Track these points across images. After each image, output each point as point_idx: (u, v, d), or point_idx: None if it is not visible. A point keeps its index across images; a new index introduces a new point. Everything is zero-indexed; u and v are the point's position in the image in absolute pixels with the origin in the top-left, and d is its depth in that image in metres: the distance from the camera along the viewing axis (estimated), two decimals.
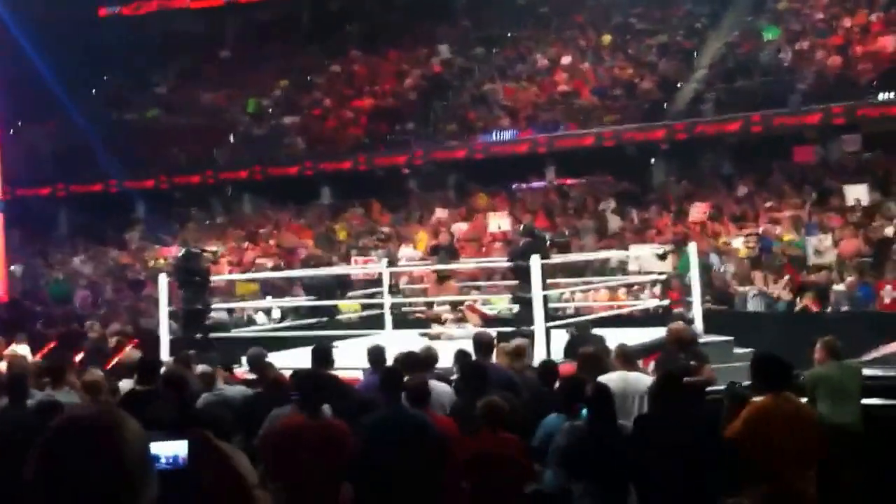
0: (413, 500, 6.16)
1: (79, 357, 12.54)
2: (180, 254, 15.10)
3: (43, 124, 34.23)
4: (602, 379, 7.24)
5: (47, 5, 32.39)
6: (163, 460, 2.60)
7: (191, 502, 3.92)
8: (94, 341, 14.76)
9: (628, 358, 8.09)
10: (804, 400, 7.49)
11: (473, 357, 8.76)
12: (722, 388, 8.79)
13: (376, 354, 8.88)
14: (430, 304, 16.13)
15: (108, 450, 1.81)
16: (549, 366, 8.24)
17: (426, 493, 6.19)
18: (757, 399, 6.27)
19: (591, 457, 6.33)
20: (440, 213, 25.89)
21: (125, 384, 8.98)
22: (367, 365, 9.12)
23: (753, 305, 16.92)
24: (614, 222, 23.01)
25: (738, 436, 6.13)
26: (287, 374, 8.43)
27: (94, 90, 38.04)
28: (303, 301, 18.24)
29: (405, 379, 6.84)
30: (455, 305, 14.61)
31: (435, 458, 6.19)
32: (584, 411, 6.56)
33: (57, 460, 1.80)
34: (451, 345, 10.39)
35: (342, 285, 16.56)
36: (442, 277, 14.80)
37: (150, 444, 1.90)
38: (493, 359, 9.03)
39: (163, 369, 8.60)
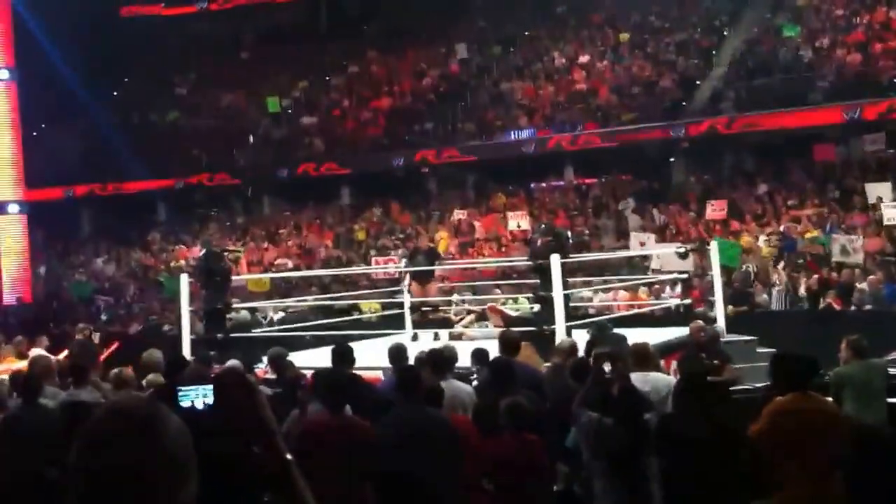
0: (431, 500, 6.14)
1: (63, 355, 12.58)
2: (201, 254, 15.11)
3: (65, 126, 34.45)
4: None
5: (69, 8, 32.52)
6: (194, 404, 2.63)
7: (216, 443, 3.92)
8: (79, 342, 14.81)
9: (643, 358, 8.00)
10: (829, 399, 7.43)
11: (492, 356, 8.73)
12: (746, 387, 8.77)
13: (397, 354, 8.86)
14: (446, 305, 16.12)
15: (151, 440, 1.83)
16: (580, 364, 8.19)
17: (444, 493, 6.17)
18: (780, 399, 6.20)
19: (614, 455, 6.31)
20: (459, 212, 25.89)
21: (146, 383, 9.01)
22: (388, 364, 9.11)
23: (777, 304, 16.83)
24: (634, 221, 22.95)
25: (760, 435, 6.07)
26: (308, 373, 8.44)
27: (115, 92, 38.23)
28: (316, 300, 18.28)
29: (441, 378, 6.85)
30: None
31: (453, 457, 6.17)
32: None
33: (100, 447, 1.82)
34: (471, 345, 10.37)
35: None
36: (423, 280, 14.69)
37: (191, 440, 1.91)
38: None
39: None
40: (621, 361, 7.35)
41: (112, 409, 1.91)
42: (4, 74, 27.52)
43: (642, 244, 19.30)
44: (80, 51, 32.43)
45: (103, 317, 22.53)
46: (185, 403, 2.75)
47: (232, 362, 9.42)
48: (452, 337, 13.13)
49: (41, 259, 29.25)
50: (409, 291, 14.85)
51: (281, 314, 18.47)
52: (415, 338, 13.54)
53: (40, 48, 30.84)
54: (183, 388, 2.77)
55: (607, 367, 6.73)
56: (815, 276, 16.86)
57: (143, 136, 34.36)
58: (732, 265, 16.85)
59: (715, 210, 21.40)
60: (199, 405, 2.74)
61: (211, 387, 2.63)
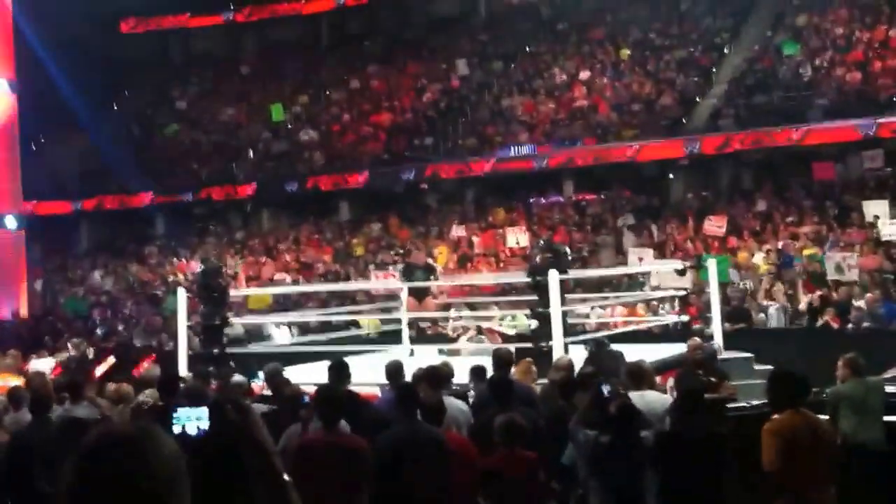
0: None
1: (55, 372, 12.57)
2: (199, 268, 15.10)
3: (64, 140, 34.48)
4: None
5: (69, 22, 32.61)
6: (186, 427, 2.62)
7: (213, 465, 3.90)
8: (73, 357, 14.80)
9: (638, 377, 7.98)
10: (826, 417, 7.43)
11: (489, 373, 8.74)
12: (743, 404, 8.74)
13: (394, 370, 8.84)
14: (444, 320, 16.08)
15: (142, 464, 1.82)
16: (567, 382, 8.19)
17: None
18: (775, 417, 6.21)
19: (611, 473, 6.30)
20: (458, 228, 25.88)
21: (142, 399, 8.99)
22: (384, 381, 9.08)
23: (774, 321, 16.81)
24: (630, 238, 22.94)
25: (769, 457, 6.03)
26: (305, 389, 8.40)
27: (115, 106, 38.28)
28: (316, 315, 18.24)
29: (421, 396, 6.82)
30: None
31: (450, 475, 6.15)
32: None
33: (91, 474, 1.81)
34: (469, 360, 10.35)
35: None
36: (420, 295, 14.66)
37: (183, 461, 1.90)
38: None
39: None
40: (613, 379, 7.35)
41: (104, 433, 1.91)
42: (4, 87, 27.54)
43: (640, 259, 19.29)
44: (81, 64, 32.48)
45: (99, 331, 22.47)
46: (180, 426, 2.74)
47: (237, 378, 9.40)
48: (451, 353, 13.12)
49: (38, 273, 29.21)
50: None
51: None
52: (411, 354, 13.52)
53: (40, 61, 30.89)
54: (178, 411, 2.75)
55: (606, 387, 6.73)
56: (814, 293, 16.86)
57: (143, 149, 34.43)
58: (722, 279, 16.79)
59: (713, 224, 21.40)
60: (194, 428, 2.73)
61: (206, 409, 2.62)
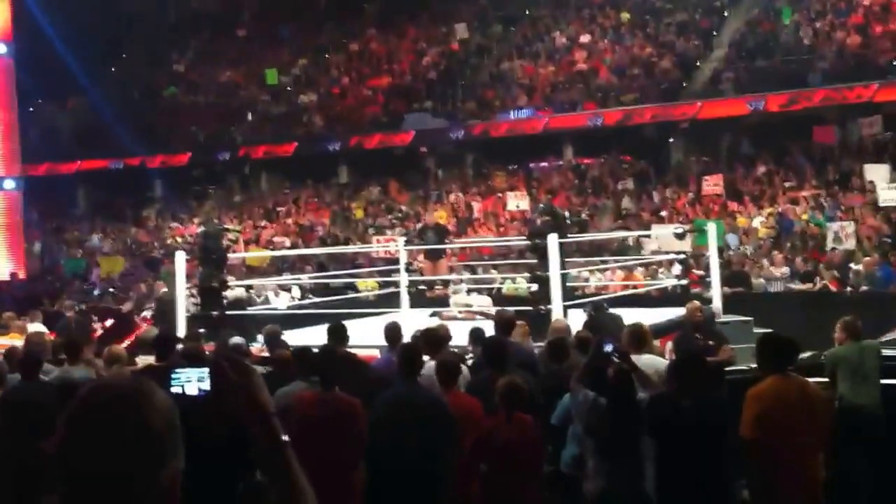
0: (425, 480, 6.12)
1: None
2: (200, 231, 15.08)
3: (62, 102, 34.33)
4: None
5: None
6: (185, 388, 2.60)
7: (214, 426, 3.89)
8: (74, 319, 14.75)
9: (639, 338, 7.96)
10: (821, 380, 7.42)
11: (489, 335, 8.73)
12: (742, 367, 8.74)
13: (392, 332, 8.83)
14: (444, 284, 16.09)
15: (135, 418, 1.80)
16: (558, 343, 8.18)
17: (438, 473, 6.15)
18: (762, 382, 6.18)
19: (609, 436, 6.31)
20: (458, 192, 25.84)
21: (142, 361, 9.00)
22: (383, 343, 9.08)
23: (773, 285, 16.81)
24: (631, 202, 22.91)
25: (743, 419, 6.02)
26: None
27: (113, 68, 38.10)
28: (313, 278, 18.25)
29: (435, 356, 6.84)
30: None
31: (448, 437, 6.14)
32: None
33: (83, 427, 1.79)
34: (465, 324, 10.36)
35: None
36: (434, 257, 14.65)
37: (177, 415, 1.89)
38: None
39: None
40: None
41: (97, 386, 1.89)
42: (1, 49, 27.38)
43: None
44: (78, 26, 32.28)
45: (95, 293, 22.46)
46: (179, 386, 2.72)
47: (235, 339, 9.40)
48: (446, 317, 13.14)
49: (36, 235, 29.20)
50: (406, 270, 14.73)
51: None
52: (433, 314, 13.49)
53: (37, 23, 30.70)
54: (177, 372, 2.73)
55: (609, 346, 6.71)
56: (812, 257, 16.88)
57: (141, 112, 34.30)
58: (718, 244, 16.79)
59: (710, 185, 21.39)
60: (193, 388, 2.70)
61: (206, 369, 2.60)
